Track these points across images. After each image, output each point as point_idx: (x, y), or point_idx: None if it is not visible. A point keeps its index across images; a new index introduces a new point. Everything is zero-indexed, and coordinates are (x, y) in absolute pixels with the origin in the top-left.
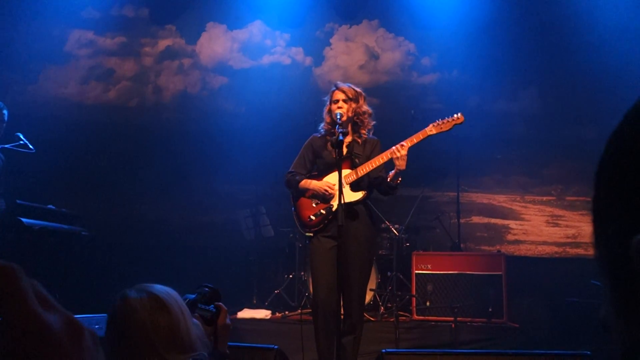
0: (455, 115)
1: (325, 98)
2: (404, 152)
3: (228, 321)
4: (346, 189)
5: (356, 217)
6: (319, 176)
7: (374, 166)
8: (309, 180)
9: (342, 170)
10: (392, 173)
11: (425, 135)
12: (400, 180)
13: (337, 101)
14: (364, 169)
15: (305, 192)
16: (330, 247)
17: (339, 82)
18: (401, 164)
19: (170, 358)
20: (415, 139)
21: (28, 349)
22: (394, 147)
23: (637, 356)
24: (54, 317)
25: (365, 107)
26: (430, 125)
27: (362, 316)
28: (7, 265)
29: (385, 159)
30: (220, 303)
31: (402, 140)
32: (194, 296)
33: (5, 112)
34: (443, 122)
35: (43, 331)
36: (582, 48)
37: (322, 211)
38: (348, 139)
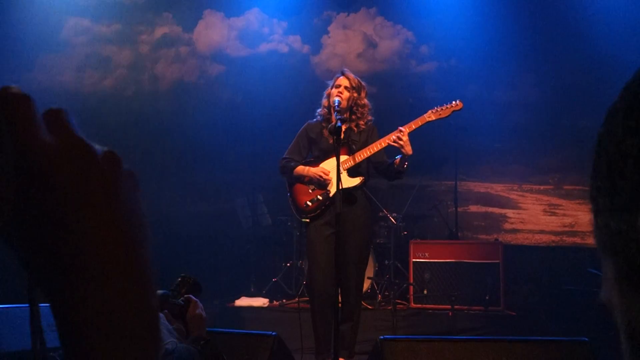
0: (454, 102)
1: (329, 82)
2: (405, 138)
3: (199, 311)
4: (344, 175)
5: (354, 202)
6: (316, 162)
7: (372, 152)
8: (304, 167)
9: (340, 156)
10: (398, 158)
11: (424, 122)
12: (407, 165)
13: (339, 86)
14: (362, 155)
15: (300, 178)
16: (327, 234)
17: (346, 69)
18: (407, 150)
19: None
20: (413, 125)
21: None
22: (393, 135)
23: None
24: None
25: (365, 101)
26: (429, 112)
27: (359, 303)
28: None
29: (384, 145)
30: (189, 295)
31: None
32: (164, 291)
33: None
34: (442, 109)
35: (86, 154)
36: (581, 37)
37: (318, 197)
38: (344, 126)
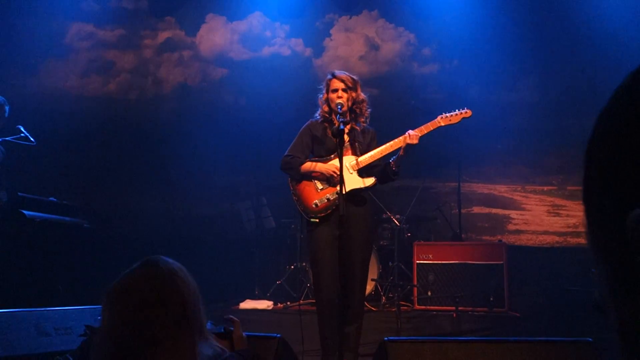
0: (463, 110)
1: (321, 86)
2: (417, 140)
3: (244, 333)
4: (353, 176)
5: (361, 204)
6: (321, 161)
7: (385, 153)
8: (312, 163)
9: (347, 157)
10: (393, 161)
11: (435, 127)
12: (401, 167)
13: (337, 90)
14: (373, 157)
15: (306, 175)
16: (332, 236)
17: (335, 71)
18: (408, 152)
19: (201, 330)
20: (425, 129)
21: None
22: (410, 135)
23: (635, 335)
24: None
25: (362, 95)
26: (439, 117)
27: (363, 305)
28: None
29: (396, 147)
30: (231, 316)
31: (403, 130)
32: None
33: (7, 107)
34: (452, 115)
35: None
36: (582, 37)
37: (328, 197)
38: (348, 126)
